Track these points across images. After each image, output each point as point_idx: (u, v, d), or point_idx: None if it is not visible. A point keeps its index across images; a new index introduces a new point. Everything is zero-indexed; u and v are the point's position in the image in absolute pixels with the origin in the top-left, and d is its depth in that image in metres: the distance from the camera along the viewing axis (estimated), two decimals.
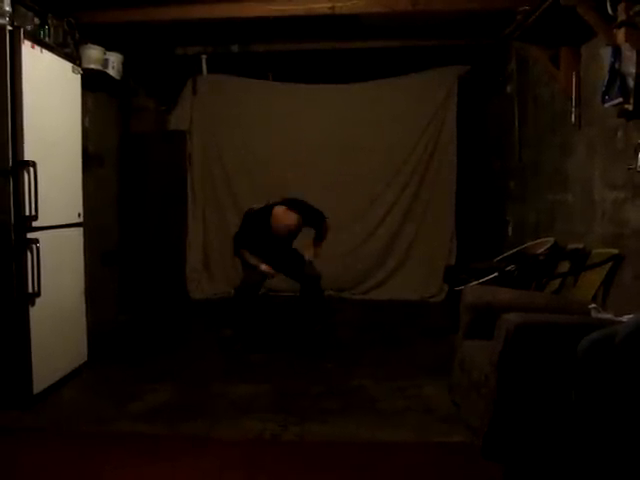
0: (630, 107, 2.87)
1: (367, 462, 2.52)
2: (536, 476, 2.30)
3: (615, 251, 3.20)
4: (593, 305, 2.82)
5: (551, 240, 4.12)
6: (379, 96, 6.09)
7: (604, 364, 1.94)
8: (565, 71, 3.86)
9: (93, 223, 4.14)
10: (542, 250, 4.06)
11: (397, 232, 6.21)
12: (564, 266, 3.75)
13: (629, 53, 2.84)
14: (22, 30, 3.00)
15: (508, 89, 5.36)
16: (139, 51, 5.26)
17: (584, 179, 3.72)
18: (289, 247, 4.46)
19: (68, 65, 3.53)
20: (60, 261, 3.39)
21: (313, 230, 4.44)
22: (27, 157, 2.99)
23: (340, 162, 6.08)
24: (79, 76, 3.67)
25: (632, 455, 1.91)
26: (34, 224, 3.07)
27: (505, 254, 4.56)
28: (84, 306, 3.71)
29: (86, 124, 4.40)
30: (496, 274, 3.81)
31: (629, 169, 3.03)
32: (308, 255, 4.33)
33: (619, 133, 3.22)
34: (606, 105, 3.07)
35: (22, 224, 3.02)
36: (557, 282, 3.75)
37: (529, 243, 4.45)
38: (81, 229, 3.67)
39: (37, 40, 3.23)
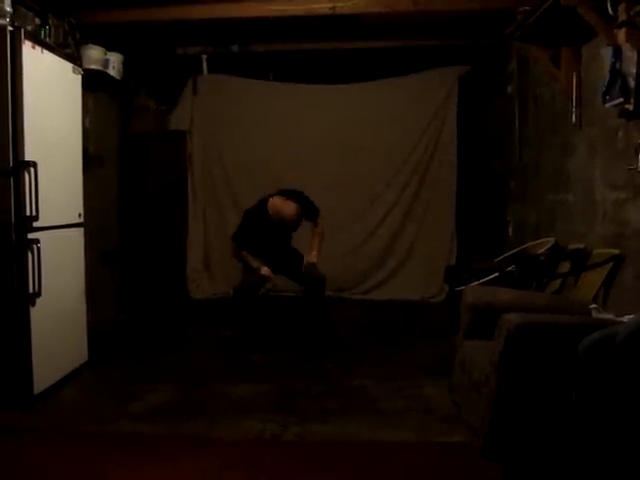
0: (631, 107, 2.87)
1: (367, 462, 2.52)
2: (536, 476, 2.30)
3: (616, 251, 3.20)
4: (594, 305, 2.83)
5: (552, 240, 4.11)
6: (379, 96, 6.09)
7: (605, 364, 1.94)
8: (566, 71, 3.86)
9: (94, 223, 4.14)
10: (543, 250, 4.05)
11: (397, 232, 6.20)
12: (565, 266, 3.74)
13: (630, 53, 2.84)
14: (23, 30, 3.00)
15: (509, 89, 5.36)
16: (139, 51, 5.26)
17: (585, 179, 3.72)
18: (288, 243, 4.47)
19: (69, 65, 3.53)
20: (61, 261, 3.39)
21: (311, 229, 4.46)
22: (28, 157, 2.99)
23: (340, 162, 6.08)
24: (80, 76, 3.67)
25: (632, 455, 1.91)
26: (35, 224, 3.07)
27: (506, 254, 4.55)
28: (85, 306, 3.71)
29: (87, 124, 4.40)
30: (497, 274, 3.81)
31: (630, 169, 3.03)
32: (309, 258, 4.32)
33: (620, 133, 3.21)
34: (607, 105, 3.07)
35: (23, 224, 3.02)
36: (558, 282, 3.74)
37: (530, 243, 4.45)
38: (82, 229, 3.68)
39: (38, 40, 3.23)
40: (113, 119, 5.27)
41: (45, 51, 3.21)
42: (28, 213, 3.02)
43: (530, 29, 3.81)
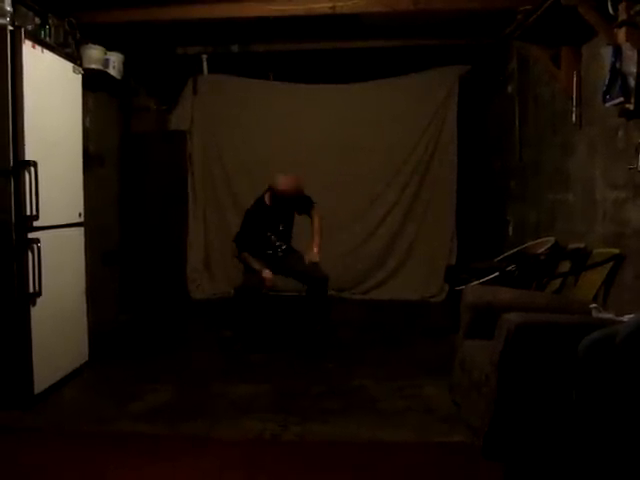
0: (631, 107, 2.87)
1: (368, 462, 2.52)
2: (536, 476, 2.30)
3: (616, 251, 3.20)
4: (594, 305, 2.83)
5: (552, 240, 4.11)
6: (379, 96, 6.09)
7: (605, 364, 1.94)
8: (566, 71, 3.85)
9: (94, 223, 4.14)
10: (543, 250, 4.05)
11: (397, 232, 6.20)
12: (565, 266, 3.74)
13: (630, 52, 2.84)
14: (23, 30, 3.00)
15: (509, 89, 5.36)
16: (140, 51, 5.25)
17: (585, 179, 3.72)
18: (289, 242, 4.47)
19: (69, 65, 3.53)
20: (61, 261, 3.39)
21: (310, 226, 4.49)
22: (28, 157, 2.99)
23: (340, 162, 6.08)
24: (80, 76, 3.67)
25: (632, 455, 1.91)
26: (35, 224, 3.07)
27: (506, 254, 4.55)
28: (85, 306, 3.71)
29: (87, 124, 4.40)
30: (497, 274, 3.81)
31: (630, 169, 3.02)
32: (311, 257, 4.33)
33: (620, 133, 3.21)
34: (607, 105, 3.07)
35: (23, 224, 3.02)
36: (558, 282, 3.74)
37: (530, 243, 4.45)
38: (82, 229, 3.68)
39: (38, 40, 3.23)
40: (113, 119, 5.27)
41: (45, 51, 3.21)
42: (28, 212, 3.02)
43: (530, 28, 3.81)
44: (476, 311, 2.93)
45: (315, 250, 4.35)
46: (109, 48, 4.63)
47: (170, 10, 4.32)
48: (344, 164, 6.07)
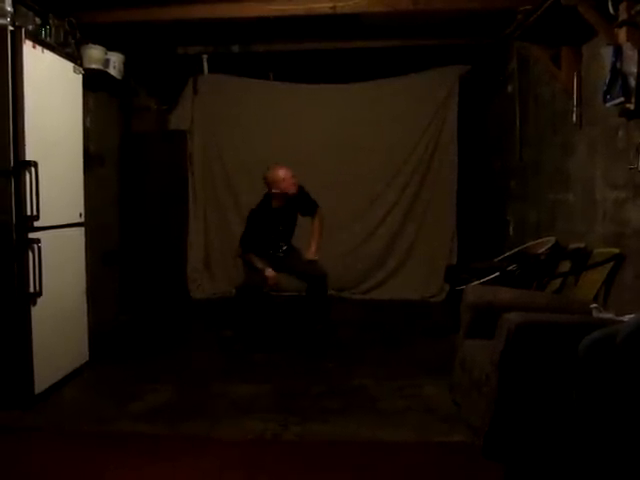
0: (631, 106, 2.86)
1: (368, 462, 2.52)
2: (537, 476, 2.30)
3: (616, 251, 3.20)
4: (594, 305, 2.83)
5: (552, 240, 4.11)
6: (380, 96, 6.09)
7: (605, 364, 1.94)
8: (566, 70, 3.85)
9: (94, 223, 4.14)
10: (543, 250, 4.05)
11: (398, 232, 6.20)
12: (565, 266, 3.74)
13: (630, 52, 2.84)
14: (23, 30, 3.00)
15: (509, 89, 5.36)
16: (140, 51, 5.25)
17: (585, 178, 3.72)
18: (290, 241, 4.48)
19: (69, 65, 3.53)
20: (61, 261, 3.39)
21: (310, 225, 4.51)
22: (28, 157, 3.00)
23: (340, 162, 6.08)
24: (80, 76, 3.67)
25: (632, 455, 1.90)
26: (35, 224, 3.07)
27: (506, 254, 4.55)
28: (85, 306, 3.71)
29: (87, 124, 4.40)
30: (497, 274, 3.81)
31: (630, 169, 3.02)
32: (309, 256, 4.34)
33: (620, 132, 3.21)
34: (607, 104, 3.06)
35: (23, 224, 3.02)
36: (558, 282, 3.74)
37: (530, 243, 4.45)
38: (82, 229, 3.68)
39: (38, 40, 3.23)
40: (114, 119, 5.27)
41: (46, 51, 3.21)
42: (29, 213, 3.02)
43: (530, 28, 3.81)
44: (476, 311, 2.92)
45: (313, 248, 4.36)
46: (109, 48, 4.63)
47: (170, 10, 4.32)
48: (344, 164, 6.07)
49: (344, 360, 3.98)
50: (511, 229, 5.32)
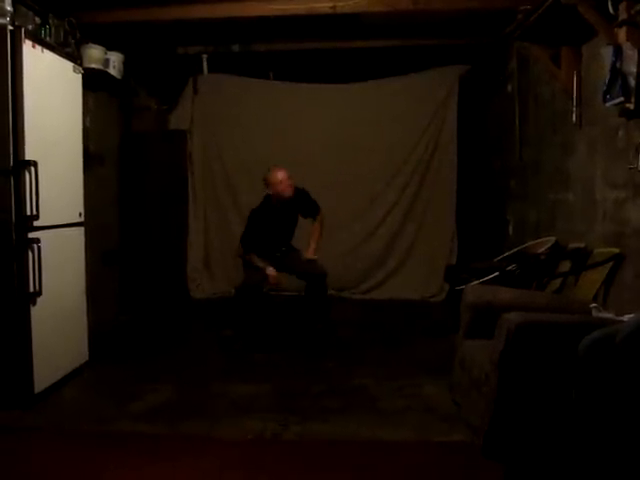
0: (631, 106, 2.86)
1: (368, 461, 2.52)
2: (536, 475, 2.30)
3: (616, 250, 3.20)
4: (594, 304, 2.83)
5: (552, 239, 4.11)
6: (379, 96, 6.09)
7: (605, 363, 1.94)
8: (566, 70, 3.85)
9: (94, 222, 4.14)
10: (543, 249, 4.05)
11: (397, 232, 6.20)
12: (565, 265, 3.74)
13: (630, 52, 2.84)
14: (23, 30, 3.00)
15: (509, 88, 5.36)
16: (140, 51, 5.25)
17: (585, 178, 3.72)
18: (290, 241, 4.47)
19: (69, 65, 3.53)
20: (61, 260, 3.39)
21: (311, 226, 4.51)
22: (28, 157, 2.99)
23: (340, 162, 6.08)
24: (80, 76, 3.67)
25: (632, 454, 1.91)
26: (35, 223, 3.07)
27: (506, 253, 4.55)
28: (85, 305, 3.71)
29: (87, 124, 4.40)
30: (497, 273, 3.81)
31: (630, 168, 3.02)
32: (307, 255, 4.35)
33: (620, 132, 3.21)
34: (607, 104, 3.06)
35: (23, 223, 3.02)
36: (558, 281, 3.74)
37: (530, 242, 4.45)
38: (82, 228, 3.68)
39: (38, 40, 3.23)
40: (113, 118, 5.27)
41: (45, 50, 3.21)
42: (28, 212, 3.02)
43: (530, 28, 3.81)
44: (476, 311, 2.93)
45: (312, 248, 4.37)
46: (109, 48, 4.63)
47: (170, 10, 4.32)
48: (344, 164, 6.07)
49: (344, 360, 3.98)
50: (511, 229, 5.32)
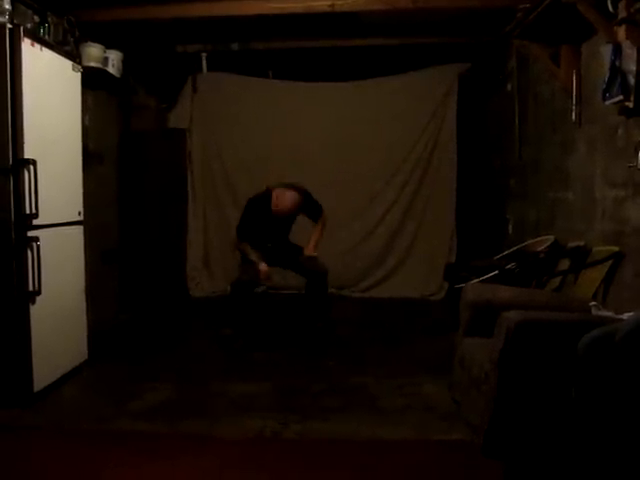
0: (631, 105, 2.87)
1: (368, 460, 2.52)
2: (536, 474, 2.30)
3: (616, 249, 3.20)
4: (593, 303, 2.83)
5: (551, 238, 4.11)
6: (379, 94, 6.08)
7: (604, 362, 1.94)
8: (565, 69, 3.85)
9: (93, 221, 4.14)
10: (542, 248, 4.06)
11: (397, 230, 6.20)
12: (564, 264, 3.75)
13: (630, 50, 2.84)
14: (22, 28, 2.99)
15: (508, 87, 5.36)
16: (139, 49, 5.25)
17: (584, 177, 3.72)
18: (287, 236, 4.47)
19: (68, 63, 3.52)
20: (60, 259, 3.39)
21: (311, 224, 4.49)
22: (27, 155, 2.99)
23: (340, 160, 6.08)
24: (79, 74, 3.67)
25: (632, 453, 1.91)
26: (34, 222, 3.07)
27: (505, 252, 4.55)
28: (84, 304, 3.71)
29: (86, 122, 4.39)
30: (496, 272, 3.81)
31: (630, 167, 3.02)
32: (307, 251, 4.34)
33: (620, 131, 3.21)
34: (607, 103, 3.07)
35: (22, 222, 3.02)
36: (557, 280, 3.75)
37: (529, 241, 4.45)
38: (81, 227, 3.67)
39: (37, 38, 3.23)
40: (113, 117, 5.26)
41: (44, 49, 3.20)
42: (28, 211, 3.01)
43: (530, 27, 3.81)
44: (476, 309, 2.93)
45: (312, 245, 4.36)
46: (108, 46, 4.62)
47: (170, 8, 4.31)
48: (343, 162, 6.07)
49: (344, 358, 3.98)
50: (510, 227, 5.32)
